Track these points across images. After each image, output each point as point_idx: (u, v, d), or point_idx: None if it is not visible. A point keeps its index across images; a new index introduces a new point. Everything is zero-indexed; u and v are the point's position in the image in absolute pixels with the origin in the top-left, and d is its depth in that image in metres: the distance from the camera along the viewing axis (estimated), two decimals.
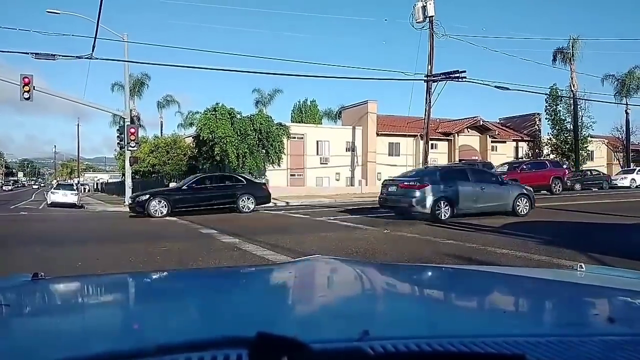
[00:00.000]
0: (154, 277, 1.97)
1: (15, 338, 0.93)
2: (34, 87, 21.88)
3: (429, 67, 27.72)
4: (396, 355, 0.70)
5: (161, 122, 53.71)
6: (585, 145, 41.27)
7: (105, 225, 14.39)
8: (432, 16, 27.99)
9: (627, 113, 42.12)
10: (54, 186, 35.18)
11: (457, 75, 26.74)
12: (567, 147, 40.76)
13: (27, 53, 19.31)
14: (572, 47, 38.72)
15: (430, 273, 1.90)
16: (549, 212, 14.34)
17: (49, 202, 29.50)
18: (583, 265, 1.70)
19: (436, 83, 27.89)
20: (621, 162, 43.96)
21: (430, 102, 27.79)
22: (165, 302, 1.27)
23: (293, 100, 56.70)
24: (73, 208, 27.07)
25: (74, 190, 31.45)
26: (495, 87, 26.78)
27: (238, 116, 28.21)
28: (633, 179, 32.25)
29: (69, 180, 61.07)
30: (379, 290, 1.51)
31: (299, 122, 43.60)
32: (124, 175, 26.87)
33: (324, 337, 0.77)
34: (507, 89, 27.40)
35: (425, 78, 27.54)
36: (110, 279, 1.95)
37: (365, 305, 1.22)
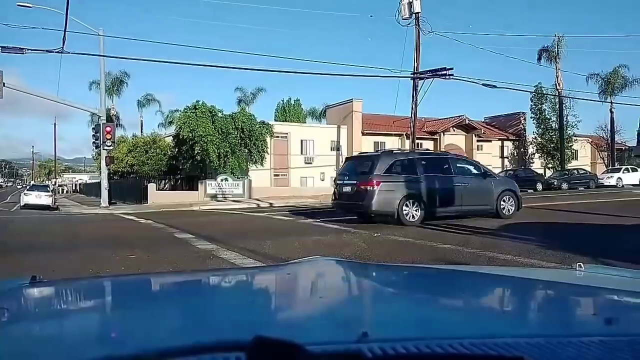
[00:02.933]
0: (152, 279, 2.00)
1: (13, 342, 0.91)
2: (4, 83, 20.98)
3: (416, 64, 27.18)
4: (395, 357, 0.70)
5: (141, 121, 52.59)
6: (570, 144, 41.30)
7: (74, 229, 13.43)
8: (419, 12, 27.46)
9: (611, 112, 42.29)
10: (28, 187, 33.82)
11: (444, 72, 26.21)
12: (552, 146, 40.73)
13: None
14: (557, 45, 38.66)
15: (428, 274, 1.88)
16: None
17: (22, 204, 28.31)
18: (582, 265, 1.65)
19: (423, 81, 27.37)
20: (605, 161, 44.12)
21: (417, 99, 27.25)
22: (163, 306, 1.26)
23: (276, 100, 55.95)
24: (47, 210, 25.98)
25: (48, 191, 30.25)
26: (482, 84, 26.37)
27: (219, 114, 27.26)
28: (619, 178, 32.20)
29: (45, 181, 59.43)
30: (377, 292, 1.49)
31: (283, 121, 42.80)
32: None
33: (322, 339, 0.77)
34: (494, 86, 27.02)
35: (412, 75, 26.99)
36: (108, 281, 1.93)
37: (364, 307, 1.22)
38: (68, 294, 1.51)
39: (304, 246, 8.29)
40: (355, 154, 36.47)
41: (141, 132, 47.22)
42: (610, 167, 37.96)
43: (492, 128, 44.24)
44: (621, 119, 55.78)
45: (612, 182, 31.81)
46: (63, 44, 18.49)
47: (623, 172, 33.13)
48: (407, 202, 11.34)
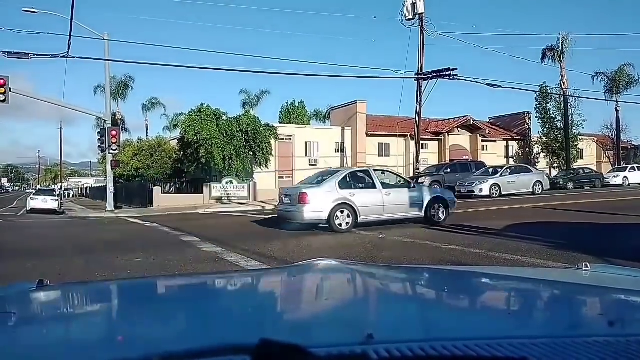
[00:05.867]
0: (158, 283, 2.00)
1: (22, 345, 0.92)
2: (10, 88, 21.02)
3: (420, 65, 27.15)
4: (400, 359, 0.70)
5: (146, 125, 52.60)
6: (576, 143, 41.06)
7: (80, 233, 13.50)
8: (422, 13, 27.43)
9: (617, 111, 42.00)
10: (34, 192, 33.92)
11: (448, 73, 26.14)
12: (557, 145, 40.53)
13: None
14: (562, 44, 38.45)
15: (433, 275, 1.88)
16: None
17: (28, 209, 28.40)
18: (588, 265, 1.63)
19: (427, 81, 27.32)
20: (611, 160, 43.86)
21: (421, 100, 27.21)
22: (169, 309, 1.27)
23: (281, 102, 55.95)
24: (53, 214, 26.06)
25: (55, 195, 30.34)
26: (487, 84, 26.25)
27: (224, 117, 27.32)
28: (626, 177, 31.99)
29: (52, 186, 59.73)
30: (382, 293, 1.49)
31: (287, 123, 42.83)
32: None
33: (327, 342, 0.77)
34: (499, 86, 26.88)
35: (416, 76, 26.96)
36: (114, 285, 1.95)
37: (369, 309, 1.22)
38: (74, 297, 1.52)
39: (308, 248, 8.29)
40: (359, 155, 36.52)
41: (146, 135, 47.36)
42: (616, 166, 37.72)
43: (496, 128, 44.10)
44: (627, 118, 55.53)
45: (619, 181, 31.57)
46: (68, 49, 18.57)
47: (629, 171, 32.88)
48: None
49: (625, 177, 32.07)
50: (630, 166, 34.53)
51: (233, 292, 1.57)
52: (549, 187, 25.15)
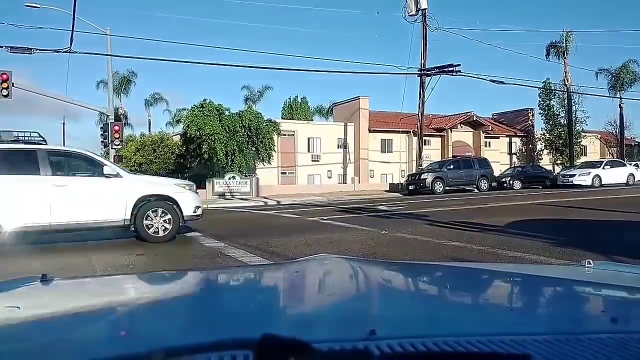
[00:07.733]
0: (160, 277, 2.02)
1: (24, 340, 0.92)
2: (13, 83, 21.04)
3: (423, 60, 27.13)
4: (403, 355, 0.70)
5: (149, 120, 52.67)
6: (579, 140, 41.01)
7: None
8: (425, 9, 27.40)
9: (620, 107, 41.94)
10: None
11: (451, 69, 26.13)
12: (560, 142, 40.46)
13: (2, 47, 18.46)
14: (566, 40, 38.35)
15: (436, 271, 1.87)
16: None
17: None
18: (591, 261, 1.62)
19: (430, 77, 27.28)
20: (615, 157, 43.76)
21: (424, 96, 27.19)
22: (171, 304, 1.28)
23: (283, 98, 55.85)
24: None
25: None
26: (490, 80, 26.23)
27: (226, 112, 27.37)
28: (631, 174, 31.87)
29: None
30: (385, 289, 1.48)
31: (290, 119, 42.82)
32: None
33: (329, 337, 0.77)
34: (502, 82, 26.89)
35: (419, 72, 26.92)
36: (117, 280, 1.98)
37: (371, 305, 1.21)
38: (78, 292, 1.52)
39: (311, 244, 8.29)
40: (362, 151, 36.49)
41: (149, 130, 47.39)
42: None
43: (500, 124, 44.04)
44: (630, 115, 55.48)
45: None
46: (71, 44, 18.65)
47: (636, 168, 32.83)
48: None
49: (630, 174, 31.94)
50: (634, 163, 34.45)
51: (235, 288, 1.57)
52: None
